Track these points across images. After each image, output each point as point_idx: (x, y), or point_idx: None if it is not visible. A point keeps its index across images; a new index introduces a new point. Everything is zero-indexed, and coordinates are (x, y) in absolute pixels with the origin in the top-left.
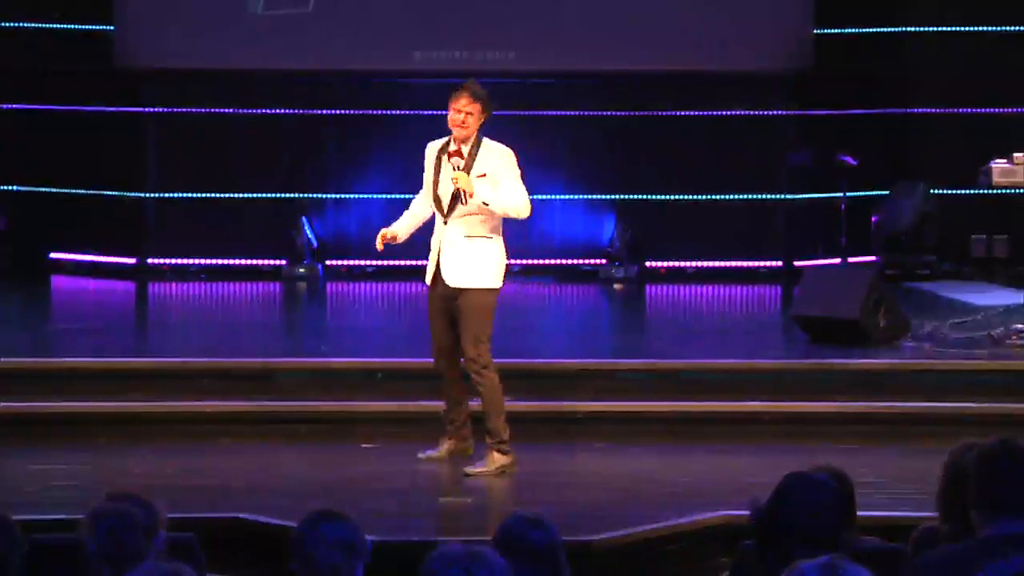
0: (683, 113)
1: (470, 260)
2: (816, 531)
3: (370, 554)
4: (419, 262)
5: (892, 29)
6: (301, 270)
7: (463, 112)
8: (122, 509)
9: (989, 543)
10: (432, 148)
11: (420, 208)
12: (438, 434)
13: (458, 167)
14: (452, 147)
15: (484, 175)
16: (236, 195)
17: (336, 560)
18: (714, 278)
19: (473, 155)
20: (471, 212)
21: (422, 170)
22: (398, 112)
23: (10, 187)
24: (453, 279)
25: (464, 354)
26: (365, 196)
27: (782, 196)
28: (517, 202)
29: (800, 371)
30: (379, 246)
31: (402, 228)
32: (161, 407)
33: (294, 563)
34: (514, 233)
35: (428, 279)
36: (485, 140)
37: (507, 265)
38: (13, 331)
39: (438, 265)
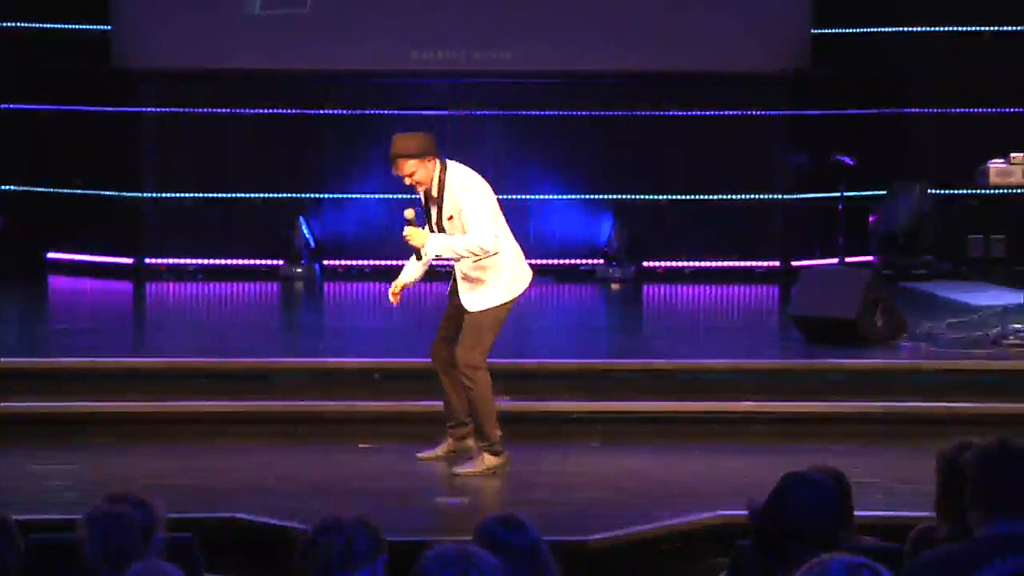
0: (680, 113)
1: (480, 285)
2: (813, 531)
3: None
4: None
5: (889, 29)
6: (298, 270)
7: (405, 175)
8: (118, 511)
9: (987, 543)
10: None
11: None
12: (435, 434)
13: (411, 222)
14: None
15: (452, 217)
16: (233, 195)
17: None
18: (711, 278)
19: (441, 196)
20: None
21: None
22: (395, 112)
23: (8, 187)
24: (468, 304)
25: (457, 353)
26: (362, 196)
27: (779, 196)
28: (470, 244)
29: (797, 371)
30: (394, 300)
31: (409, 274)
32: (159, 407)
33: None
34: (513, 233)
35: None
36: (449, 174)
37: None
38: (11, 331)
39: (455, 285)
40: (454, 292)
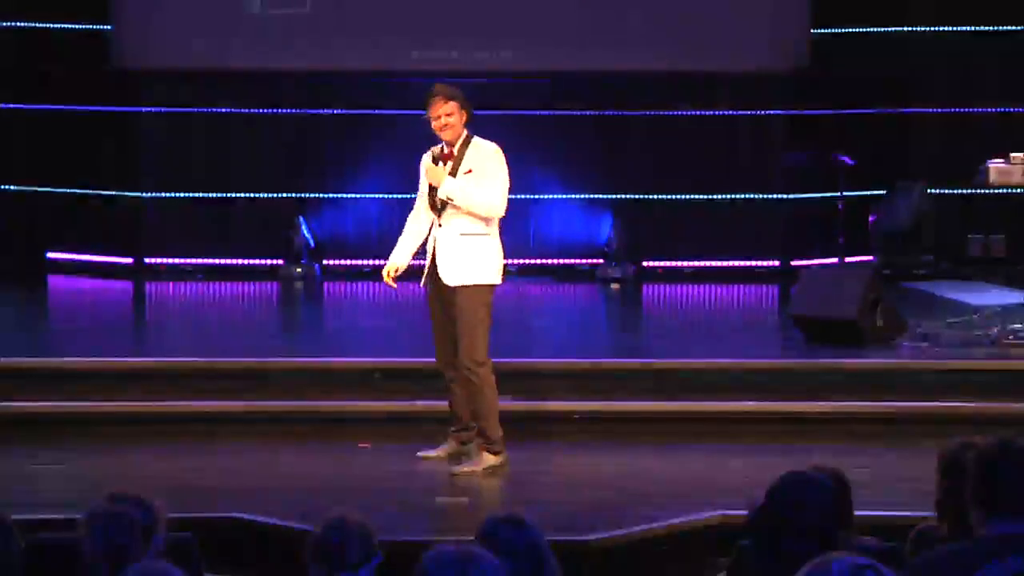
0: (680, 113)
1: (465, 257)
2: (813, 531)
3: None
4: (418, 262)
5: (890, 29)
6: (298, 270)
7: (441, 116)
8: (119, 510)
9: (988, 543)
10: (427, 158)
11: (417, 225)
12: (436, 433)
13: (440, 164)
14: (445, 151)
15: (470, 171)
16: (233, 195)
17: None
18: (711, 278)
19: (462, 154)
20: (463, 211)
21: (419, 181)
22: (395, 112)
23: (8, 187)
24: (449, 278)
25: (460, 352)
26: (362, 196)
27: (779, 196)
28: (483, 199)
29: (797, 371)
30: (392, 284)
31: (403, 255)
32: (158, 407)
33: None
34: (512, 233)
35: (423, 280)
36: (476, 140)
37: (504, 264)
38: (11, 331)
39: (433, 265)
40: (433, 278)
